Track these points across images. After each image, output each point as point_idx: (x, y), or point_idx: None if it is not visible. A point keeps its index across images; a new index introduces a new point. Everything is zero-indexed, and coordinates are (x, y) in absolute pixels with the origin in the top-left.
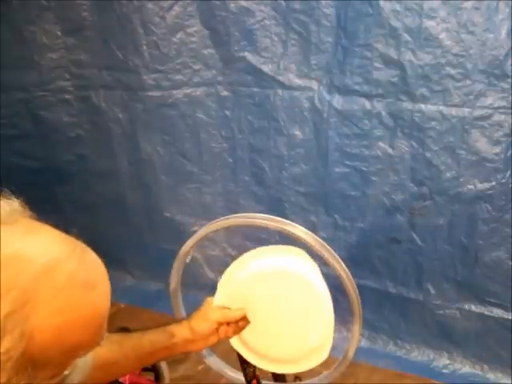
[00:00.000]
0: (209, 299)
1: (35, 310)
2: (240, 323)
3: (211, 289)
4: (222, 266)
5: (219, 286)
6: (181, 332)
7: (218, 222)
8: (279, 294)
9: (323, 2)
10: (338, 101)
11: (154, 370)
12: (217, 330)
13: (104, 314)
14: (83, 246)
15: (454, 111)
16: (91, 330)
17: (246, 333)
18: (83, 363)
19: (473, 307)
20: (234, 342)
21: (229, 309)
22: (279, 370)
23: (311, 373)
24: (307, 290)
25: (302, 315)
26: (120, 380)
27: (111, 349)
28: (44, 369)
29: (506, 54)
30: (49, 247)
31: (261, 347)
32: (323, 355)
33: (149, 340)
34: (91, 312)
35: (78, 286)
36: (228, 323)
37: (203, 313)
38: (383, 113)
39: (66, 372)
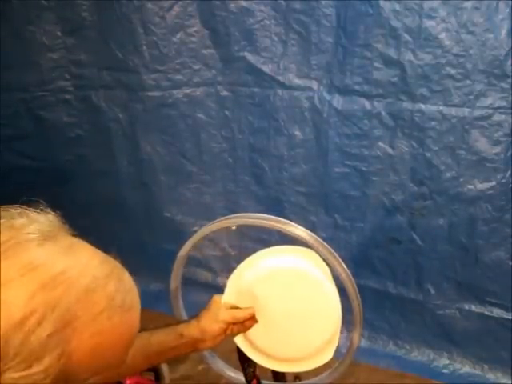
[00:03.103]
0: (217, 298)
1: (76, 332)
2: (247, 323)
3: (211, 289)
4: (222, 265)
5: (228, 284)
6: (190, 332)
7: (217, 222)
8: (287, 294)
9: (323, 2)
10: (338, 101)
11: (154, 369)
12: (226, 329)
13: (135, 334)
14: (120, 266)
15: (453, 111)
16: (123, 349)
17: (251, 331)
18: None
19: (473, 307)
20: (238, 339)
21: (237, 308)
22: (282, 369)
23: (311, 373)
24: (315, 290)
25: (309, 314)
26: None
27: None
28: None
29: (506, 54)
30: (90, 268)
31: (265, 345)
32: (328, 355)
33: (157, 340)
34: (126, 332)
35: (117, 307)
36: (236, 323)
37: (213, 313)
38: (383, 113)
39: None
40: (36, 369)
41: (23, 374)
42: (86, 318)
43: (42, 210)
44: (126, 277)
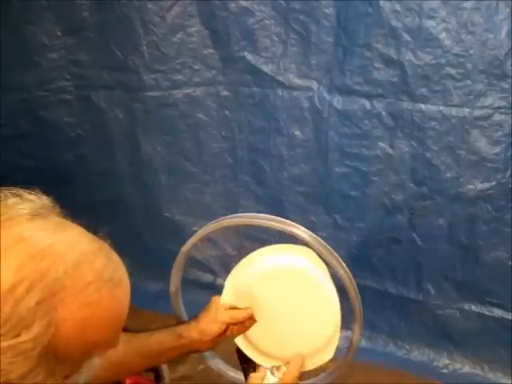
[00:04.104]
0: (216, 299)
1: (63, 302)
2: (246, 323)
3: (211, 289)
4: (221, 265)
5: (226, 284)
6: (189, 333)
7: (218, 221)
8: (286, 293)
9: (323, 2)
10: (337, 101)
11: (154, 370)
12: (225, 330)
13: (125, 313)
14: (108, 245)
15: (454, 111)
16: (113, 326)
17: (250, 331)
18: (89, 363)
19: (473, 307)
20: (238, 339)
21: (236, 308)
22: None
23: (312, 373)
24: (314, 289)
25: (308, 314)
26: (120, 380)
27: (118, 349)
28: (63, 364)
29: (506, 53)
30: (79, 243)
31: (265, 345)
32: (328, 355)
33: (157, 340)
34: (115, 308)
35: (105, 281)
36: (235, 323)
37: (212, 314)
38: (383, 113)
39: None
40: (25, 337)
41: (12, 342)
42: (73, 289)
43: (36, 193)
44: (115, 255)
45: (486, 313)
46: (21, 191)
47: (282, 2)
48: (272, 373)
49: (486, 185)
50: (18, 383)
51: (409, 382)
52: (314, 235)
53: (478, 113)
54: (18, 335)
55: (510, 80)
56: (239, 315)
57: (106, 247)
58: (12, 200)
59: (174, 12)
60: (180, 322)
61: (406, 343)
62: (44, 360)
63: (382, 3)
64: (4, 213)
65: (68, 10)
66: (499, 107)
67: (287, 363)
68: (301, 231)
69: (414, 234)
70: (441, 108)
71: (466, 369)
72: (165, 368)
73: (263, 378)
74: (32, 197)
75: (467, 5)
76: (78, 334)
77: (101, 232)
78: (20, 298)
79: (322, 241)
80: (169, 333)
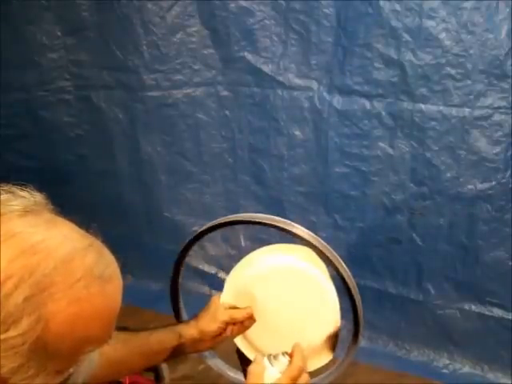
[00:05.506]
0: (215, 298)
1: (53, 298)
2: (245, 322)
3: (212, 288)
4: (221, 265)
5: (226, 283)
6: (189, 332)
7: (217, 221)
8: (285, 293)
9: (323, 2)
10: (338, 101)
11: (154, 369)
12: (224, 329)
13: (116, 309)
14: (99, 242)
15: (454, 111)
16: (103, 323)
17: (250, 331)
18: (88, 362)
19: (473, 307)
20: (237, 339)
21: (236, 308)
22: None
23: (312, 373)
24: (314, 289)
25: (308, 314)
26: (119, 379)
27: (117, 347)
28: (54, 360)
29: (506, 53)
30: (70, 239)
31: (264, 345)
32: (328, 355)
33: (156, 339)
34: (105, 304)
35: (95, 277)
36: (235, 323)
37: (211, 313)
38: (383, 113)
39: (71, 370)
40: (13, 332)
41: (1, 337)
42: (62, 285)
43: (29, 190)
44: (106, 252)
45: (486, 313)
46: (13, 188)
47: (282, 2)
48: (270, 361)
49: (486, 185)
50: (9, 377)
51: (409, 382)
52: (314, 235)
53: (478, 113)
54: (7, 330)
55: (510, 80)
56: (239, 315)
57: (97, 243)
58: (4, 196)
59: (174, 12)
60: (180, 322)
61: (406, 343)
62: (34, 355)
63: (382, 3)
64: None
65: (68, 10)
66: (499, 107)
67: (286, 352)
68: (300, 231)
69: (414, 234)
70: (441, 108)
71: (466, 369)
72: (165, 368)
73: (263, 372)
74: (24, 193)
75: (467, 5)
76: (68, 329)
77: (92, 228)
78: (8, 294)
79: (322, 241)
80: (168, 332)
